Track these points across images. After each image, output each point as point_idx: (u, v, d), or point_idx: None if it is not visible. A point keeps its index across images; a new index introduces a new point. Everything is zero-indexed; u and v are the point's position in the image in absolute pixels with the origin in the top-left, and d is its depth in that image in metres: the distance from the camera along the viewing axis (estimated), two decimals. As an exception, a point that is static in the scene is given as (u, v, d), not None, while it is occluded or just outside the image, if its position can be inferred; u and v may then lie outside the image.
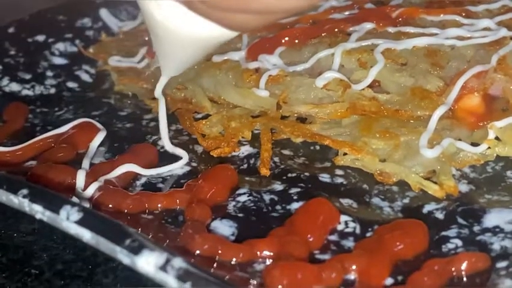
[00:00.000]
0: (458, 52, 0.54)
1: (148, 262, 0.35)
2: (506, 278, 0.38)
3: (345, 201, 0.47)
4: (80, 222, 0.37)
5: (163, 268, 0.34)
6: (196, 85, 0.57)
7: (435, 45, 0.55)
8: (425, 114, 0.51)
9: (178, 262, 0.34)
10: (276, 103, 0.54)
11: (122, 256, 0.36)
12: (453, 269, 0.39)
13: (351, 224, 0.44)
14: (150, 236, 0.41)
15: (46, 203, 0.39)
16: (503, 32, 0.55)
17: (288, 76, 0.55)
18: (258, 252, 0.41)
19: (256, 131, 0.54)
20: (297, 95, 0.54)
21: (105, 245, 0.36)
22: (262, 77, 0.55)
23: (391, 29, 0.57)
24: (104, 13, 0.74)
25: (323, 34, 0.58)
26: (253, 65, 0.57)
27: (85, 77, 0.67)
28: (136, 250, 0.35)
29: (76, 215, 0.38)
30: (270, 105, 0.54)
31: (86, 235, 0.37)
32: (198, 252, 0.41)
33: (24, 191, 0.40)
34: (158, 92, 0.52)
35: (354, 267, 0.40)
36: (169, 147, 0.53)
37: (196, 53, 0.46)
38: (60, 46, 0.69)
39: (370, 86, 0.53)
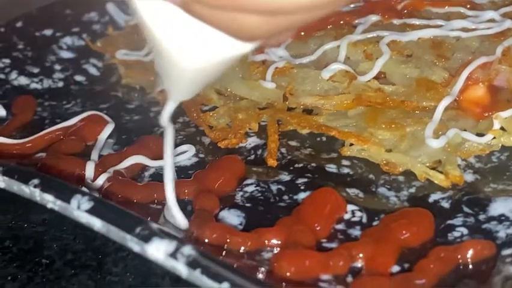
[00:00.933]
0: (463, 44, 0.55)
1: (158, 249, 0.35)
2: (511, 265, 0.38)
3: (352, 191, 0.47)
4: (91, 211, 0.38)
5: (173, 255, 0.35)
6: (203, 77, 0.57)
7: (440, 36, 0.55)
8: (430, 105, 0.51)
9: (188, 250, 0.35)
10: (283, 95, 0.55)
11: (133, 244, 0.36)
12: (459, 256, 0.40)
13: (358, 213, 0.45)
14: (159, 225, 0.41)
15: (57, 193, 0.39)
16: (508, 24, 0.55)
17: (294, 68, 0.56)
18: (266, 241, 0.41)
19: (263, 123, 0.55)
20: (303, 87, 0.55)
21: (116, 234, 0.37)
22: (269, 69, 0.56)
23: (396, 21, 0.58)
24: (111, 7, 0.75)
25: (328, 26, 0.58)
26: (259, 57, 0.58)
27: (93, 71, 0.67)
28: (146, 238, 0.36)
29: (86, 204, 0.38)
30: (277, 97, 0.55)
31: (97, 224, 0.38)
32: (206, 241, 0.41)
33: (36, 181, 0.40)
34: (165, 120, 0.42)
35: (361, 255, 0.40)
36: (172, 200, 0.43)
37: (207, 73, 0.38)
38: (67, 40, 0.70)
39: (376, 78, 0.54)
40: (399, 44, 0.55)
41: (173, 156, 0.50)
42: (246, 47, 0.34)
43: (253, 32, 0.32)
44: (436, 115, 0.50)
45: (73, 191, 0.39)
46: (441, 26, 0.56)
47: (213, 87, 0.58)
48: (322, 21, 0.59)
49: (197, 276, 0.34)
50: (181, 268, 0.35)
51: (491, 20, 0.57)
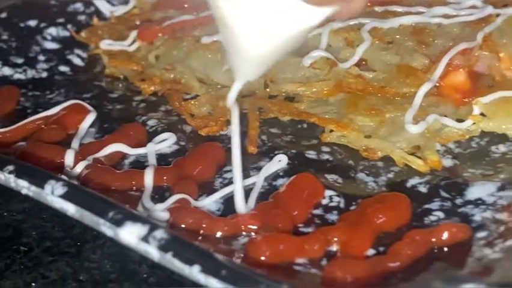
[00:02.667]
0: (444, 30, 0.55)
1: (130, 233, 0.35)
2: (485, 247, 0.38)
3: (331, 177, 0.47)
4: (64, 196, 0.38)
5: (145, 239, 0.35)
6: (185, 66, 0.58)
7: (421, 23, 0.55)
8: (410, 91, 0.51)
9: (160, 233, 0.35)
10: (264, 82, 0.55)
11: (105, 228, 0.36)
12: (433, 239, 0.40)
13: (336, 199, 0.45)
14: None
15: (31, 178, 0.39)
16: (489, 10, 0.55)
17: (276, 56, 0.55)
18: (243, 226, 0.41)
19: (245, 111, 0.55)
20: (284, 74, 0.55)
21: (89, 218, 0.37)
22: (250, 57, 0.56)
23: (378, 8, 0.58)
24: (96, -3, 0.74)
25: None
26: (241, 45, 0.57)
27: (77, 61, 0.67)
28: (118, 222, 0.36)
29: (60, 189, 0.38)
30: (258, 84, 0.55)
31: (70, 209, 0.38)
32: (183, 226, 0.41)
33: (10, 167, 0.40)
34: (231, 100, 0.41)
35: (336, 239, 0.40)
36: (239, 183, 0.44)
37: (274, 53, 0.37)
38: (52, 31, 0.70)
39: (357, 65, 0.54)
40: (381, 31, 0.55)
41: (155, 145, 0.51)
42: (314, 18, 0.33)
43: None
44: (416, 101, 0.50)
45: (46, 176, 0.39)
46: (422, 12, 0.56)
47: (195, 76, 0.58)
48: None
49: (168, 259, 0.34)
50: (153, 252, 0.35)
51: (473, 7, 0.57)
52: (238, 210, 0.43)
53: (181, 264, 0.34)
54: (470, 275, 0.34)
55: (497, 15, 0.55)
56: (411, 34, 0.54)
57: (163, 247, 0.34)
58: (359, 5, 0.36)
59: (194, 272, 0.33)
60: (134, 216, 0.36)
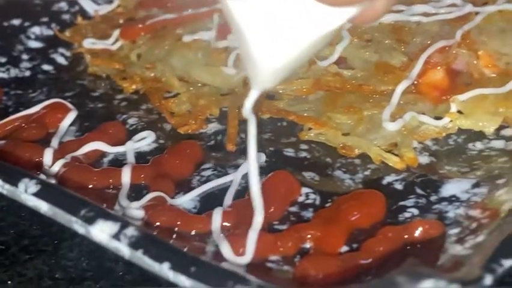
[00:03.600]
0: (423, 28, 0.55)
1: (101, 231, 0.36)
2: (457, 244, 0.38)
3: (308, 174, 0.48)
4: (37, 194, 0.38)
5: (116, 236, 0.35)
6: (166, 64, 0.58)
7: (401, 21, 0.55)
8: (388, 89, 0.52)
9: (131, 231, 0.35)
10: (243, 80, 0.55)
11: (78, 226, 0.37)
12: (406, 236, 0.40)
13: (312, 196, 0.45)
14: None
15: (5, 177, 0.39)
16: (469, 8, 0.56)
17: (256, 54, 0.56)
18: (217, 223, 0.41)
19: (225, 109, 0.55)
20: (264, 72, 0.55)
21: (61, 216, 0.37)
22: (231, 55, 0.56)
23: (358, 7, 0.58)
24: (81, -3, 0.75)
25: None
26: (222, 44, 0.58)
27: (61, 60, 0.67)
28: (90, 220, 0.36)
29: (33, 187, 0.39)
30: (237, 82, 0.55)
31: (43, 207, 0.38)
32: (158, 224, 0.41)
33: (-16, 166, 0.40)
34: (247, 110, 0.39)
35: (309, 236, 0.40)
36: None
37: (296, 56, 0.34)
38: (36, 30, 0.70)
39: (337, 63, 0.54)
40: (360, 29, 0.55)
41: (134, 143, 0.51)
42: (334, 21, 0.31)
43: None
44: (394, 98, 0.51)
45: (20, 174, 0.39)
46: (402, 10, 0.56)
47: (176, 74, 0.58)
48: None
49: (139, 256, 0.34)
50: (123, 249, 0.35)
51: (453, 5, 0.57)
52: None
53: (151, 261, 0.34)
54: (437, 271, 0.34)
55: (477, 13, 0.55)
56: (390, 32, 0.55)
57: (134, 244, 0.35)
58: (383, 5, 0.33)
59: (164, 269, 0.34)
60: (106, 214, 0.36)
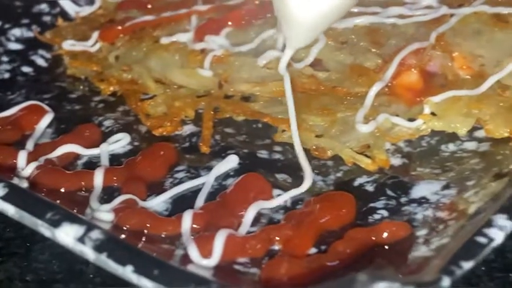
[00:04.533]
0: (399, 30, 0.55)
1: (67, 234, 0.36)
2: (423, 245, 0.39)
3: (280, 176, 0.48)
4: (4, 198, 0.38)
5: (81, 239, 0.35)
6: (142, 66, 0.58)
7: (376, 23, 0.56)
8: (362, 91, 0.52)
9: (96, 234, 0.35)
10: (218, 82, 0.55)
11: (44, 229, 0.37)
12: (374, 238, 0.40)
13: (283, 197, 0.45)
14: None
15: (-27, 180, 0.39)
16: (444, 10, 0.56)
17: (232, 56, 0.56)
18: (186, 226, 0.42)
19: (201, 111, 0.55)
20: (240, 74, 0.55)
21: (28, 219, 0.37)
22: (207, 57, 0.56)
23: (334, 8, 0.58)
24: (62, -2, 0.75)
25: (268, 15, 0.59)
26: (199, 46, 0.58)
27: (40, 62, 0.67)
28: (56, 223, 0.36)
29: (1, 190, 0.38)
30: (213, 84, 0.55)
31: (10, 210, 0.38)
32: (127, 226, 0.41)
33: (-47, 169, 0.40)
34: (282, 68, 0.44)
35: (278, 238, 0.40)
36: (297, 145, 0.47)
37: (326, 18, 0.39)
38: (16, 32, 0.70)
39: (313, 65, 0.54)
40: (336, 31, 0.55)
41: (109, 145, 0.51)
42: None
43: None
44: (367, 100, 0.51)
45: (-13, 178, 0.39)
46: (378, 13, 0.56)
47: (154, 76, 0.58)
48: (262, 9, 0.60)
49: (103, 259, 0.35)
50: (88, 252, 0.35)
51: (429, 7, 0.57)
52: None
53: (114, 264, 0.34)
54: (395, 273, 0.34)
55: (452, 15, 0.55)
56: (366, 34, 0.55)
57: (98, 247, 0.35)
58: None
59: (127, 272, 0.34)
60: (71, 217, 0.36)
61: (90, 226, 0.36)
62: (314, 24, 0.40)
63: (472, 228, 0.36)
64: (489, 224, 0.35)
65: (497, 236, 0.35)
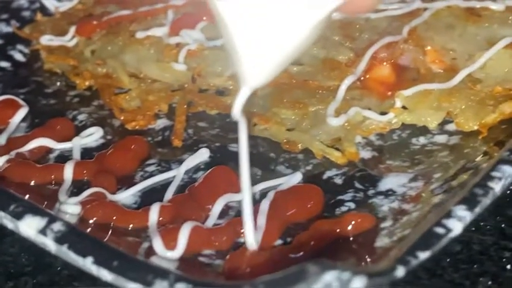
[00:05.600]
0: (372, 24, 0.55)
1: (29, 226, 0.36)
2: (386, 237, 0.39)
3: (251, 169, 0.48)
4: (-34, 190, 0.38)
5: (43, 231, 0.35)
6: (117, 60, 0.58)
7: (349, 17, 0.56)
8: (334, 85, 0.52)
9: (58, 226, 0.36)
10: (192, 76, 0.55)
11: (7, 221, 0.37)
12: (338, 229, 0.40)
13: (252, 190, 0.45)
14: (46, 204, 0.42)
15: None
16: (417, 4, 0.56)
17: (206, 50, 0.56)
18: (153, 218, 0.42)
19: (175, 105, 0.55)
20: (214, 69, 0.55)
21: (-10, 212, 0.37)
22: (181, 52, 0.56)
23: (308, 3, 0.58)
24: (41, -7, 0.75)
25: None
26: (174, 40, 0.58)
27: (18, 57, 0.67)
28: (19, 215, 0.37)
29: (-36, 183, 0.39)
30: (187, 78, 0.55)
31: (-27, 202, 0.38)
32: (94, 219, 0.42)
33: None
34: (237, 111, 0.37)
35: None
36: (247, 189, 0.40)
37: (284, 50, 0.33)
38: (-6, 27, 0.70)
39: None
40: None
41: (81, 139, 0.51)
42: (320, 11, 0.30)
43: None
44: (339, 94, 0.51)
45: None
46: (351, 6, 0.57)
47: (128, 71, 0.58)
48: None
49: (64, 251, 0.35)
50: (50, 244, 0.35)
51: (403, 1, 0.57)
52: (248, 244, 0.39)
53: (75, 256, 0.34)
54: (359, 263, 0.34)
55: (425, 9, 0.56)
56: (339, 28, 0.55)
57: (59, 239, 0.35)
58: None
59: (87, 264, 0.34)
60: (34, 209, 0.37)
61: (52, 218, 0.36)
62: (271, 66, 0.33)
63: (432, 219, 0.37)
64: (448, 214, 0.35)
65: (456, 227, 0.35)
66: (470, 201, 0.36)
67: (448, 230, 0.35)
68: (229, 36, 0.32)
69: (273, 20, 0.31)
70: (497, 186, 0.37)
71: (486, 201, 0.36)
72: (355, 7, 0.31)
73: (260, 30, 0.31)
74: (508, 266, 0.41)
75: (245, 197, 0.39)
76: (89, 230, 0.40)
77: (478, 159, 0.45)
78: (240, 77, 0.35)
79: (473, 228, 0.43)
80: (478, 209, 0.36)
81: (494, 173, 0.38)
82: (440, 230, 0.35)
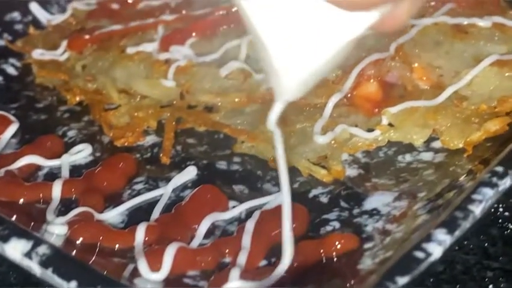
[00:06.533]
0: (359, 41, 0.55)
1: (14, 249, 0.36)
2: (368, 258, 0.39)
3: (238, 187, 0.48)
4: (-45, 213, 0.38)
5: (28, 255, 0.36)
6: (107, 76, 0.58)
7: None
8: (321, 102, 0.52)
9: (43, 249, 0.36)
10: (180, 93, 0.56)
11: (-7, 244, 0.37)
12: (322, 250, 0.41)
13: (238, 209, 0.46)
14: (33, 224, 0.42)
15: None
16: (405, 21, 0.56)
17: (195, 67, 0.57)
18: (139, 238, 0.42)
19: (164, 121, 0.56)
20: (202, 85, 0.56)
21: (-23, 234, 0.38)
22: (171, 68, 0.57)
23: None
24: (34, 6, 0.75)
25: (232, 25, 0.59)
26: (164, 56, 0.59)
27: (11, 70, 0.67)
28: (5, 238, 0.37)
29: (-49, 205, 0.39)
30: (176, 95, 0.56)
31: (-39, 225, 0.38)
32: (81, 239, 0.42)
33: None
34: (271, 123, 0.39)
35: (227, 251, 0.41)
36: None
37: (319, 66, 0.33)
38: (-13, 41, 0.70)
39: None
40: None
41: (70, 156, 0.52)
42: (355, 28, 0.30)
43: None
44: (326, 111, 0.52)
45: None
46: (339, 23, 0.57)
47: (119, 86, 0.58)
48: (226, 19, 0.60)
49: (49, 275, 0.35)
50: (35, 267, 0.36)
51: (391, 17, 0.58)
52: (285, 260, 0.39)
53: (59, 279, 0.35)
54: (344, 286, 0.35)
55: (412, 26, 0.56)
56: (326, 45, 0.55)
57: (44, 263, 0.35)
58: (407, 9, 0.31)
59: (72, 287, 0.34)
60: (19, 231, 0.37)
61: (37, 241, 0.36)
62: (305, 80, 0.34)
63: (414, 242, 0.37)
64: (429, 238, 0.36)
65: (436, 251, 0.35)
66: (450, 225, 0.36)
67: (428, 254, 0.35)
68: (264, 51, 0.33)
69: (307, 36, 0.31)
70: (477, 209, 0.38)
71: (466, 224, 0.37)
72: (388, 24, 0.32)
73: (295, 46, 0.31)
74: (491, 286, 0.41)
75: (285, 206, 0.39)
76: (75, 251, 0.40)
77: (462, 178, 0.45)
78: (274, 91, 0.36)
79: (457, 248, 0.43)
80: (458, 233, 0.36)
81: (474, 196, 0.39)
82: (419, 254, 0.35)
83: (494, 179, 0.40)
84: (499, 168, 0.41)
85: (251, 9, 0.30)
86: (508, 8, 0.60)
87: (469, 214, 0.37)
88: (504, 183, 0.40)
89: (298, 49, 0.31)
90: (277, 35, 0.31)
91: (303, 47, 0.31)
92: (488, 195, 0.39)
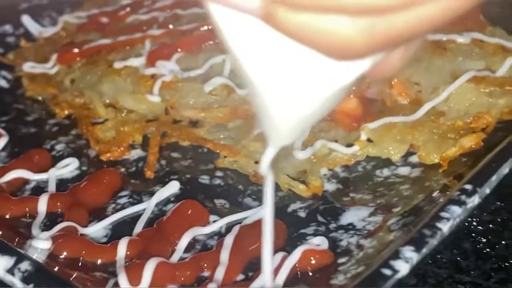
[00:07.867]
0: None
1: (-2, 266, 0.38)
2: (341, 274, 0.41)
3: (219, 202, 0.50)
4: None
5: (11, 271, 0.37)
6: (94, 91, 0.60)
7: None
8: (301, 117, 0.54)
9: (25, 265, 0.37)
10: (165, 108, 0.57)
11: (-23, 260, 0.38)
12: (297, 264, 0.42)
13: (219, 224, 0.47)
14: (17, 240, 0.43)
15: None
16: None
17: (180, 82, 0.58)
18: (120, 253, 0.43)
19: (149, 135, 0.57)
20: (187, 100, 0.57)
21: (-39, 250, 0.39)
22: (156, 83, 0.58)
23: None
24: (26, 19, 0.76)
25: (217, 40, 0.61)
26: (150, 71, 0.60)
27: (2, 83, 0.69)
28: (-12, 254, 0.38)
29: None
30: (161, 110, 0.57)
31: None
32: (64, 254, 0.43)
33: None
34: (264, 168, 0.36)
35: (205, 265, 0.42)
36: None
37: (312, 112, 0.32)
38: (-21, 53, 0.71)
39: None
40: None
41: (57, 170, 0.53)
42: (348, 76, 0.29)
43: (351, 43, 0.27)
44: (306, 127, 0.53)
45: None
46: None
47: (105, 101, 0.60)
48: (212, 35, 0.61)
49: (30, 291, 0.36)
50: (17, 283, 0.37)
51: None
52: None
53: (40, 296, 0.36)
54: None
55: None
56: (309, 61, 0.57)
57: (26, 279, 0.37)
58: (400, 57, 0.30)
59: (52, 303, 0.36)
60: (3, 247, 0.38)
61: (20, 257, 0.38)
62: (297, 126, 0.33)
63: (384, 256, 0.38)
64: (396, 255, 0.37)
65: (402, 268, 0.37)
66: (417, 242, 0.38)
67: (395, 272, 0.36)
68: (256, 96, 0.32)
69: (299, 83, 0.31)
70: (445, 227, 0.39)
71: (433, 242, 0.38)
72: (380, 72, 0.31)
73: (286, 95, 0.31)
74: (461, 300, 0.42)
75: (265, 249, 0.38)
76: (58, 266, 0.42)
77: (436, 194, 0.47)
78: (266, 136, 0.35)
79: (429, 261, 0.44)
80: (425, 250, 0.38)
81: (442, 214, 0.40)
82: (387, 272, 0.36)
83: (463, 197, 0.41)
84: (468, 186, 0.42)
85: (247, 58, 0.30)
86: (487, 24, 0.61)
87: (436, 232, 0.39)
88: (472, 201, 0.41)
89: (291, 96, 0.31)
90: (271, 83, 0.31)
91: (295, 94, 0.31)
92: (456, 213, 0.40)
